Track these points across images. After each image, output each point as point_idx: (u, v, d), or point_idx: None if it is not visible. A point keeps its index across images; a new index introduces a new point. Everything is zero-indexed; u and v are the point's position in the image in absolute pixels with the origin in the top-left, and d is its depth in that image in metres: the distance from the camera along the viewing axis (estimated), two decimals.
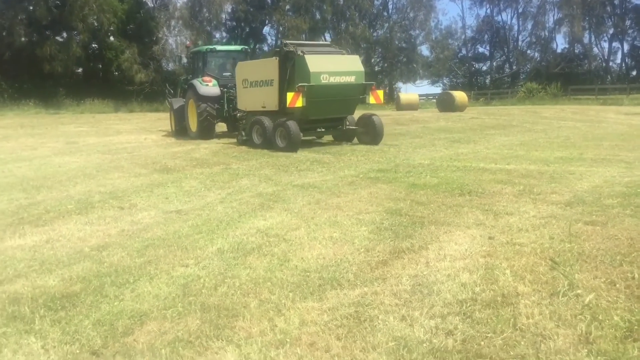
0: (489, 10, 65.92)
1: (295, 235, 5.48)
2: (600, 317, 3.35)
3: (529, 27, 64.07)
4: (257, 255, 4.91)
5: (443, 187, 7.59)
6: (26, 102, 35.51)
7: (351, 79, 12.96)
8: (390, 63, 60.98)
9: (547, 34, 63.21)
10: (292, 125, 12.38)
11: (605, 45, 63.34)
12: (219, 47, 18.52)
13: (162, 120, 22.22)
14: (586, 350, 3.00)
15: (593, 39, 63.36)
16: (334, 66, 12.83)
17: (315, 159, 11.16)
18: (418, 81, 68.15)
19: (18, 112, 32.72)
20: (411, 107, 34.06)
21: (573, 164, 9.36)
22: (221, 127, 17.73)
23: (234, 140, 15.17)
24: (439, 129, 18.04)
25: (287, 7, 54.18)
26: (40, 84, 39.77)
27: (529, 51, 65.76)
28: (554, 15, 62.27)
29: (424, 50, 66.24)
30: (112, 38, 46.28)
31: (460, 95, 30.86)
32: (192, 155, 12.49)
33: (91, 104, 37.22)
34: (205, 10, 50.28)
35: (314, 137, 14.58)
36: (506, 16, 66.19)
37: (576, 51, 63.38)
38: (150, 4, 50.01)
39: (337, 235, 5.39)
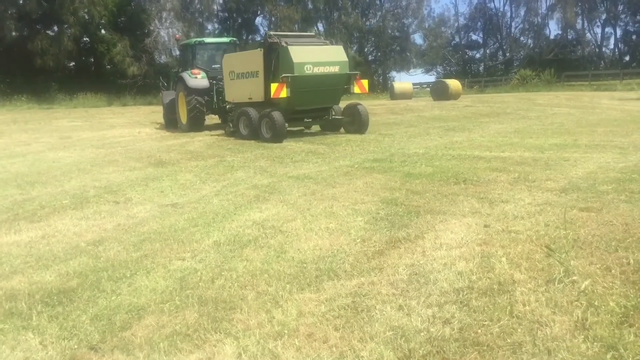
0: None
1: (292, 226, 5.48)
2: (596, 303, 3.36)
3: (522, 13, 64.15)
4: (254, 247, 4.91)
5: (438, 175, 7.60)
6: (18, 97, 35.26)
7: (335, 69, 13.09)
8: (383, 52, 60.84)
9: (540, 20, 63.25)
10: (277, 115, 12.50)
11: (598, 30, 63.36)
12: (207, 40, 18.59)
13: (156, 113, 22.12)
14: (582, 336, 3.02)
15: (586, 24, 63.39)
16: (317, 57, 12.95)
17: (310, 149, 11.15)
18: (412, 70, 68.18)
19: (10, 107, 32.51)
20: (405, 96, 34.05)
21: (567, 150, 9.38)
22: (214, 118, 17.70)
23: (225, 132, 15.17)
24: (434, 118, 18.04)
25: None
26: (32, 79, 39.49)
27: (522, 38, 65.87)
28: (546, 1, 62.34)
29: (417, 38, 66.36)
30: (103, 31, 45.93)
31: (454, 84, 30.86)
32: (187, 148, 12.46)
33: (84, 98, 36.98)
34: (196, 1, 50.01)
35: (302, 128, 14.76)
36: (499, 3, 66.52)
37: (569, 37, 63.39)
38: None
39: (333, 226, 5.39)
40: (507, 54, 64.71)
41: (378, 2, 62.72)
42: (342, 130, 14.40)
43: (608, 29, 62.85)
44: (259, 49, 13.67)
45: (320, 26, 58.49)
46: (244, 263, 4.50)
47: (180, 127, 16.95)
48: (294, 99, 12.67)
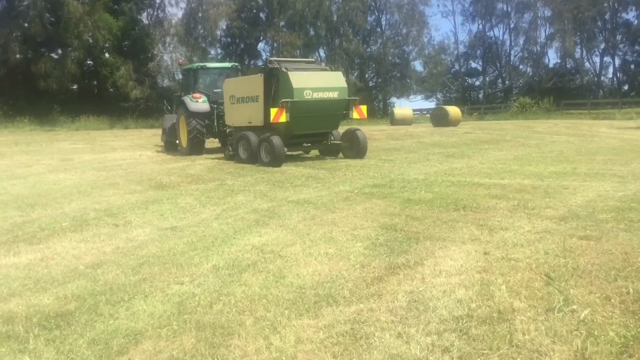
0: (481, 26, 66.66)
1: (291, 251, 5.47)
2: (595, 333, 3.35)
3: (521, 42, 64.82)
4: (253, 272, 4.89)
5: (438, 202, 7.61)
6: (21, 119, 35.50)
7: (334, 95, 13.25)
8: (384, 78, 61.37)
9: (539, 49, 63.91)
10: (276, 140, 12.59)
11: (597, 60, 64.02)
12: (209, 65, 18.93)
13: (158, 136, 22.22)
14: None
15: (584, 53, 64.10)
16: (317, 82, 13.12)
17: (310, 174, 11.18)
18: (412, 96, 68.67)
19: (13, 129, 32.70)
20: (405, 122, 34.25)
21: (567, 178, 9.40)
22: (214, 142, 17.81)
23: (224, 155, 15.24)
24: (433, 144, 18.11)
25: (282, 23, 54.64)
26: (35, 101, 39.79)
27: (521, 66, 66.45)
28: (545, 31, 63.03)
29: (417, 65, 66.84)
30: (107, 55, 46.47)
31: (453, 110, 31.05)
32: (187, 171, 12.49)
33: (86, 120, 37.24)
34: (200, 26, 50.61)
35: (300, 152, 14.89)
36: (498, 32, 66.67)
37: (568, 66, 63.99)
38: (146, 21, 50.39)
39: (332, 251, 5.39)
40: (507, 82, 65.21)
41: (379, 29, 63.59)
42: (340, 155, 14.51)
43: (607, 58, 63.61)
44: (259, 74, 13.83)
45: (322, 52, 59.19)
46: (243, 288, 4.49)
47: (180, 151, 17.09)
48: (293, 123, 12.78)
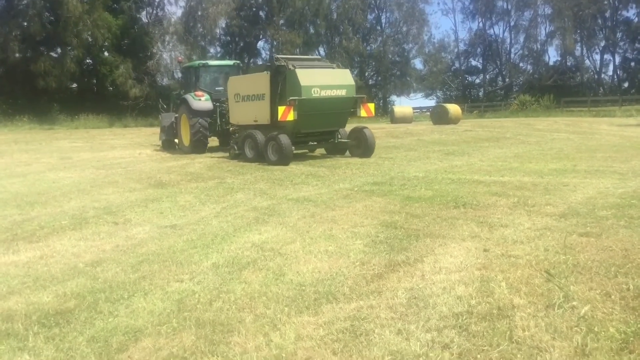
0: (481, 24, 66.52)
1: (291, 249, 5.47)
2: (595, 329, 3.34)
3: (521, 40, 64.71)
4: (253, 269, 4.89)
5: (438, 199, 7.61)
6: (20, 117, 35.47)
7: (342, 93, 13.11)
8: (384, 76, 61.33)
9: (539, 46, 63.83)
10: (284, 138, 12.45)
11: (597, 57, 63.94)
12: (211, 62, 18.67)
13: (157, 135, 22.20)
14: None
15: (585, 51, 63.97)
16: (324, 80, 12.97)
17: (309, 172, 11.17)
18: (412, 94, 68.69)
19: (12, 128, 32.67)
20: (405, 120, 34.21)
21: (567, 175, 9.40)
22: (213, 140, 17.75)
23: (227, 154, 15.19)
24: (433, 142, 18.10)
25: (281, 21, 54.59)
26: (35, 100, 39.75)
27: (521, 64, 66.34)
28: (545, 28, 62.96)
29: (418, 63, 66.87)
30: (106, 53, 46.41)
31: (454, 108, 31.02)
32: (187, 169, 12.48)
33: (85, 119, 37.19)
34: (199, 25, 50.49)
35: (306, 151, 14.67)
36: (498, 29, 66.51)
37: (568, 64, 63.93)
38: (145, 20, 50.20)
39: (332, 249, 5.38)
40: (507, 80, 65.15)
41: (379, 27, 63.55)
42: (347, 153, 14.36)
43: (607, 56, 63.54)
44: (265, 71, 13.61)
45: (322, 50, 59.08)
46: (243, 285, 4.48)
47: (181, 150, 16.93)
48: (301, 122, 12.66)
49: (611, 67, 64.32)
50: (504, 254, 4.89)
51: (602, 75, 64.78)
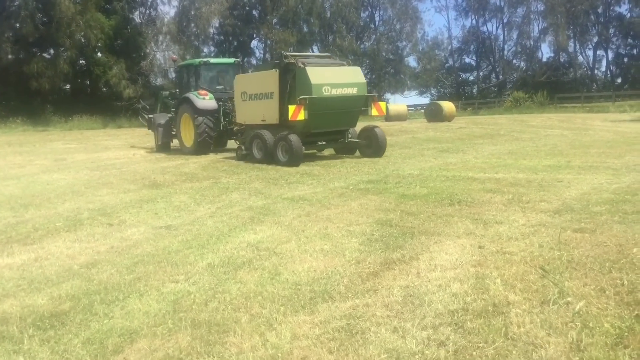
0: (474, 21, 66.53)
1: (286, 248, 5.47)
2: (590, 325, 3.36)
3: (514, 36, 64.74)
4: (248, 269, 4.89)
5: (433, 197, 7.62)
6: (14, 119, 35.33)
7: (353, 91, 12.78)
8: (378, 74, 61.31)
9: (532, 43, 63.89)
10: (294, 139, 12.12)
11: (590, 53, 64.07)
12: (212, 60, 18.08)
13: (152, 135, 22.15)
14: (577, 358, 3.01)
15: (578, 47, 64.10)
16: (335, 78, 12.64)
17: (304, 171, 11.17)
18: (406, 92, 68.76)
19: (5, 130, 32.54)
20: (400, 117, 34.20)
21: (561, 171, 9.42)
22: None
23: (224, 154, 15.16)
24: (428, 139, 18.12)
25: (275, 20, 54.54)
26: (28, 102, 39.57)
27: (514, 61, 66.42)
28: (538, 25, 63.01)
29: (411, 61, 66.88)
30: (99, 54, 46.20)
31: (448, 106, 31.02)
32: (182, 170, 12.46)
33: (79, 120, 37.07)
34: (192, 25, 50.49)
35: (315, 151, 14.22)
36: (491, 26, 66.47)
37: (561, 60, 64.04)
38: (138, 20, 50.10)
39: (327, 248, 5.38)
40: (500, 77, 65.24)
41: (372, 25, 63.56)
42: (357, 153, 13.98)
43: (600, 52, 63.67)
44: (273, 69, 13.15)
45: (316, 49, 59.00)
46: (238, 285, 4.48)
47: (183, 151, 16.38)
48: (311, 121, 12.31)
49: (604, 63, 64.59)
50: (499, 251, 4.90)
51: (595, 71, 65.02)
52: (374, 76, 62.39)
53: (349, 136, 13.77)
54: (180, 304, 4.15)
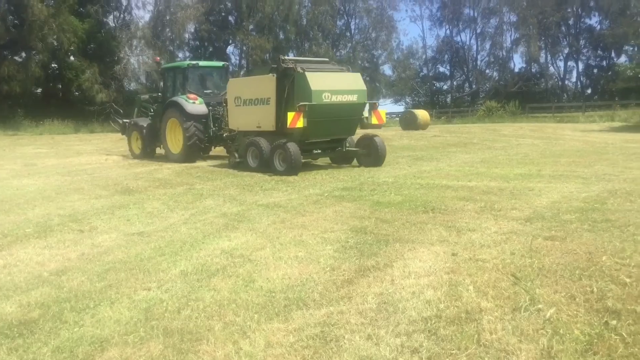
0: (448, 31, 67.40)
1: (261, 255, 5.44)
2: (561, 331, 3.41)
3: (487, 47, 65.73)
4: (222, 276, 4.85)
5: (407, 204, 7.67)
6: None
7: (353, 98, 12.34)
8: None
9: (504, 53, 64.92)
10: (293, 147, 11.53)
11: (561, 64, 65.47)
12: (201, 63, 17.14)
13: (124, 140, 21.88)
14: None
15: (549, 58, 65.40)
16: (335, 84, 12.14)
17: (280, 178, 11.14)
18: (381, 100, 69.11)
19: None
20: (375, 125, 34.38)
21: (532, 180, 9.57)
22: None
23: (199, 160, 15.04)
24: (402, 147, 18.26)
25: (251, 27, 54.44)
26: None
27: (487, 70, 67.40)
28: (511, 36, 64.08)
29: (387, 69, 67.42)
30: (72, 58, 45.54)
31: (422, 114, 31.30)
32: (155, 175, 12.32)
33: (50, 124, 36.47)
34: (167, 29, 50.07)
35: (310, 160, 13.51)
36: (465, 37, 67.37)
37: (533, 70, 65.29)
38: (112, 24, 49.53)
39: (302, 255, 5.38)
40: (474, 86, 66.13)
41: (348, 33, 63.92)
42: (354, 162, 13.61)
43: (571, 63, 65.09)
44: (270, 74, 12.44)
45: (291, 56, 59.07)
46: (212, 293, 4.44)
47: (168, 158, 15.64)
48: (310, 129, 11.73)
49: (575, 74, 66.01)
50: (472, 258, 4.95)
51: (566, 82, 66.41)
52: None
53: (347, 145, 13.28)
54: (152, 312, 4.10)
